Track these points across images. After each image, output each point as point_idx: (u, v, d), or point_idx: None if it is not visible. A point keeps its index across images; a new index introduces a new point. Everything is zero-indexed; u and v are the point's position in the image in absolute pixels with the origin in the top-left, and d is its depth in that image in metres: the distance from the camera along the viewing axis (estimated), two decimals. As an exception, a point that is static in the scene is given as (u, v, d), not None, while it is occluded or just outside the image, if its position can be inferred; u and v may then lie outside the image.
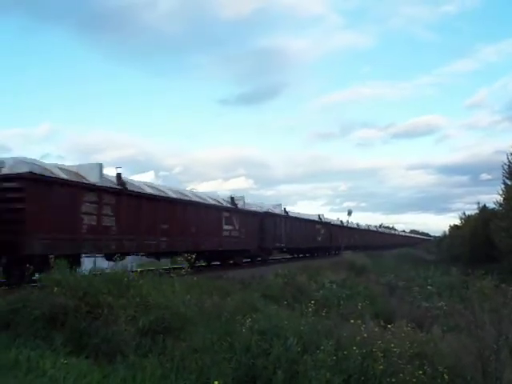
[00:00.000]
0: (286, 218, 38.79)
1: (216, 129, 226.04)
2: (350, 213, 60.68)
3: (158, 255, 22.83)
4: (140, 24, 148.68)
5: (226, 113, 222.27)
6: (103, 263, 15.95)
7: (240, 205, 30.16)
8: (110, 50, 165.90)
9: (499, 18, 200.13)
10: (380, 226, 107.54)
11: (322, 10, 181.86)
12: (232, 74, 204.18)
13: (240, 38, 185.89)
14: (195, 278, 15.05)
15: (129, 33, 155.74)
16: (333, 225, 54.16)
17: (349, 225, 63.69)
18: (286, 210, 40.44)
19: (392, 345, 10.20)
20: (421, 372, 9.38)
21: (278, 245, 35.97)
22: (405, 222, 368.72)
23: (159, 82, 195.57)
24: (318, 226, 47.73)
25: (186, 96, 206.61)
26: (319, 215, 50.50)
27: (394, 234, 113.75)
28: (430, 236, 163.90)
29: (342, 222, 61.14)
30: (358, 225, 72.55)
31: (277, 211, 37.40)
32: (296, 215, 42.69)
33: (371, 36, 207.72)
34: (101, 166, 17.99)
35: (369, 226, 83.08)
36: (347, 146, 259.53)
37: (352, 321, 12.41)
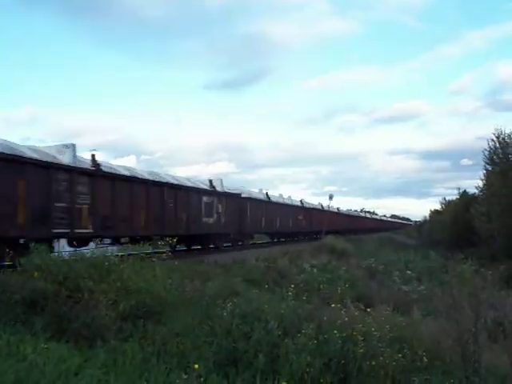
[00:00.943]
0: (93, 175, 18.97)
1: (200, 114, 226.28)
2: (331, 197, 60.60)
3: None
4: (125, 9, 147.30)
5: (211, 98, 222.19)
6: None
7: None
8: (95, 35, 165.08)
9: (485, 3, 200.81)
10: (361, 210, 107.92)
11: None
12: (217, 60, 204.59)
13: (226, 23, 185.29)
14: (176, 263, 15.04)
15: (114, 18, 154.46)
16: (245, 199, 34.90)
17: (292, 202, 49.46)
18: (98, 160, 19.97)
19: (372, 328, 10.27)
20: (400, 355, 9.47)
21: (73, 231, 17.51)
22: (386, 207, 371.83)
23: (144, 67, 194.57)
24: (206, 199, 27.71)
25: (171, 81, 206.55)
26: (210, 181, 30.00)
27: (366, 218, 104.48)
28: (411, 221, 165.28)
29: (268, 195, 42.94)
30: (302, 202, 54.39)
31: (65, 159, 18.06)
32: (133, 174, 22.30)
33: (357, 22, 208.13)
34: None
35: (315, 204, 61.90)
36: (330, 130, 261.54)
37: (333, 305, 12.49)
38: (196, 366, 7.49)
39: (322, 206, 62.93)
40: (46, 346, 7.40)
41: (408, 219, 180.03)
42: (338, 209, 72.99)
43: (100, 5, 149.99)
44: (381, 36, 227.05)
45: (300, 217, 49.48)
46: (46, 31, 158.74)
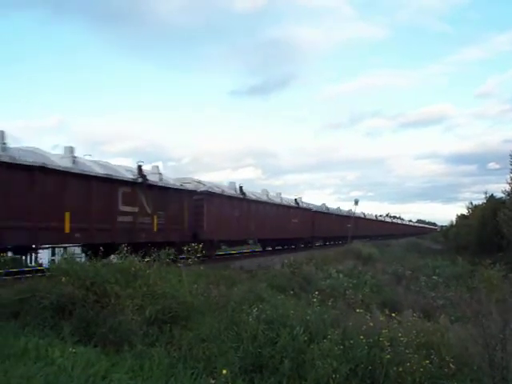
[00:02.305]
0: None
1: (226, 120, 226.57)
2: (356, 202, 59.82)
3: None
4: (153, 16, 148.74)
5: (237, 104, 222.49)
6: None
7: None
8: (123, 42, 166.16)
9: (510, 5, 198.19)
10: (387, 215, 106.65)
11: (334, 2, 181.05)
12: (243, 66, 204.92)
13: (252, 29, 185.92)
14: (202, 268, 15.06)
15: (142, 25, 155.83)
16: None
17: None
18: None
19: (399, 334, 10.18)
20: (428, 361, 9.37)
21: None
22: (412, 212, 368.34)
23: (170, 73, 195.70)
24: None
25: (197, 87, 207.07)
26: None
27: (381, 222, 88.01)
28: (437, 226, 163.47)
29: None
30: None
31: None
32: None
33: (382, 27, 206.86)
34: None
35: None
36: (356, 135, 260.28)
37: (359, 310, 12.41)
38: (224, 371, 7.50)
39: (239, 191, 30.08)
40: (73, 350, 7.48)
41: (434, 224, 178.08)
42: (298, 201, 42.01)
43: (128, 12, 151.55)
44: (405, 40, 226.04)
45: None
46: (73, 39, 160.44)
